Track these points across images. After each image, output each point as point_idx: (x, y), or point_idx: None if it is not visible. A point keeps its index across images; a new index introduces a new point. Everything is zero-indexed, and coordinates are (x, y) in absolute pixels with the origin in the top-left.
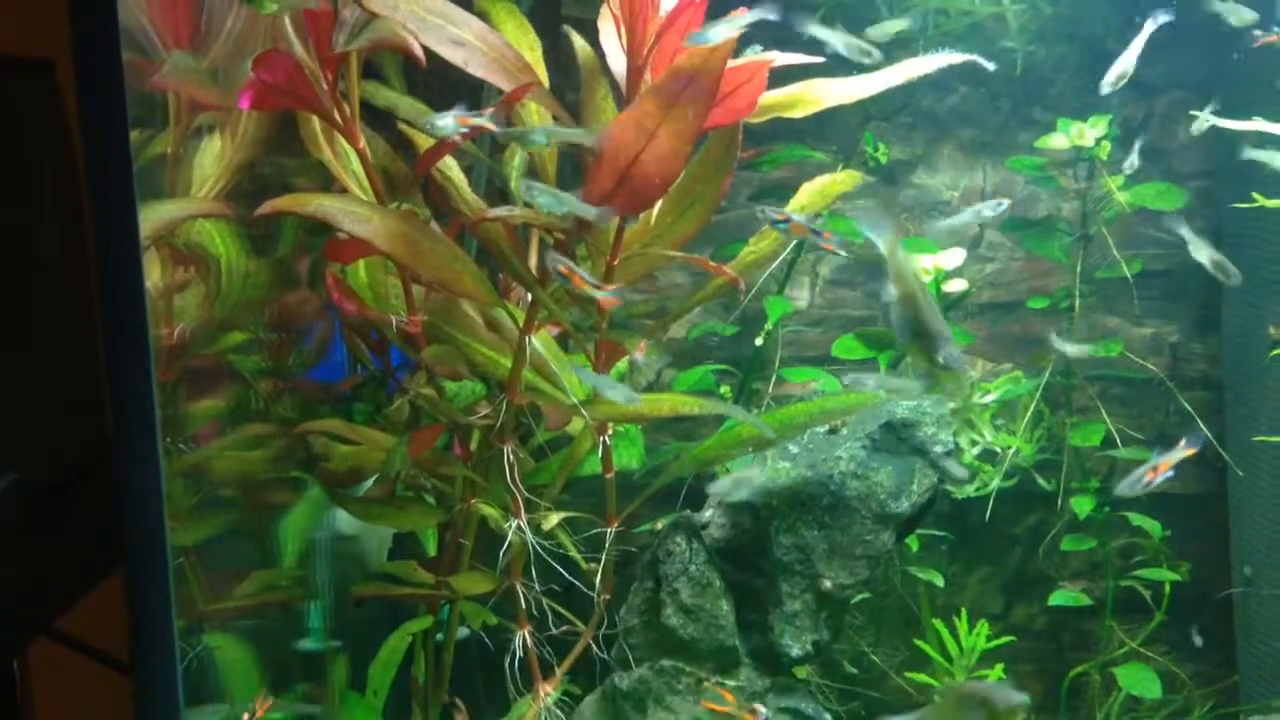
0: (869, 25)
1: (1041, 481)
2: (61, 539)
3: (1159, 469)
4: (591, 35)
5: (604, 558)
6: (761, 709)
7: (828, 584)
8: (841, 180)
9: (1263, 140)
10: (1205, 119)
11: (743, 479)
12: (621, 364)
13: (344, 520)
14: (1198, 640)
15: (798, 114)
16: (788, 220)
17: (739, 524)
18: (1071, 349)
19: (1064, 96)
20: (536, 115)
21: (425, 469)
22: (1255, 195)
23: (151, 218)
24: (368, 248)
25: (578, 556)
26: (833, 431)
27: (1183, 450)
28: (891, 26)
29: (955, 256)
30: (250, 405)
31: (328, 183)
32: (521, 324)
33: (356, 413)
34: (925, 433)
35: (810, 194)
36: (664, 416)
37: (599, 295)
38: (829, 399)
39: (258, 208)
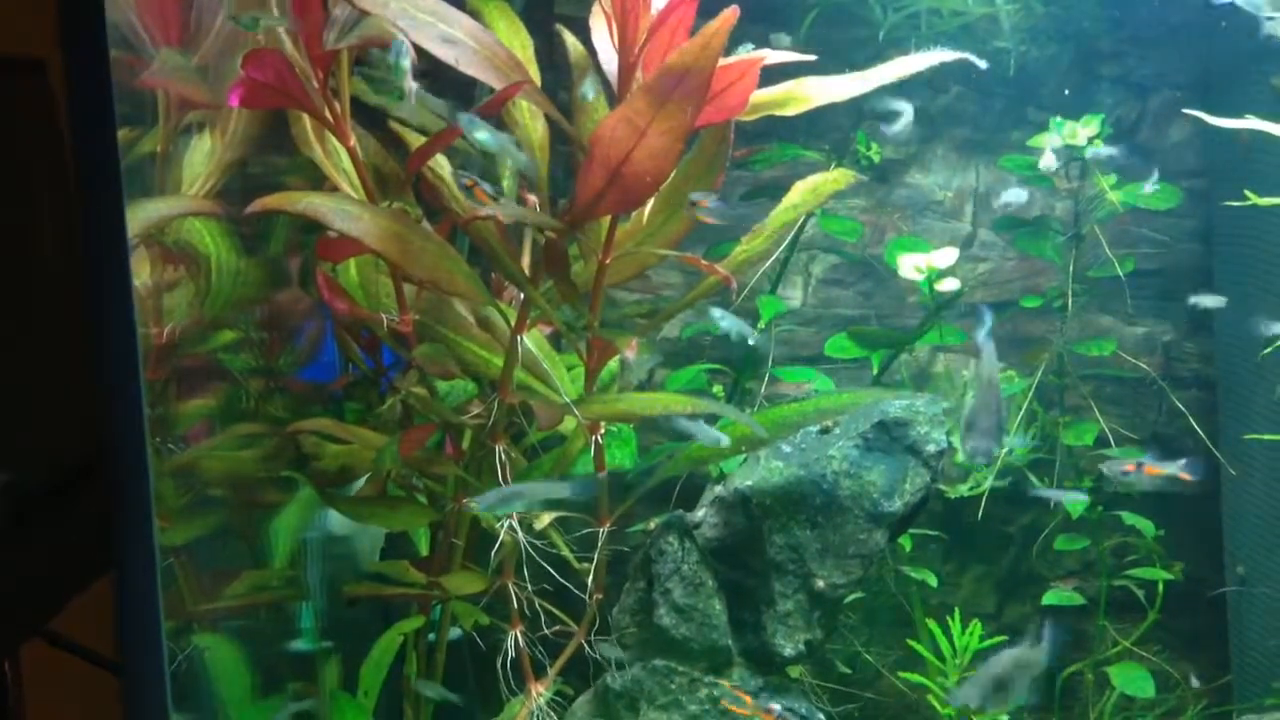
0: (863, 25)
1: (1035, 481)
2: (56, 540)
3: (1145, 469)
4: (583, 33)
5: (596, 557)
6: (776, 707)
7: (820, 583)
8: (834, 179)
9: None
10: (1148, 188)
11: (512, 493)
12: (613, 363)
13: (335, 520)
14: (1195, 682)
15: (790, 112)
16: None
17: (732, 523)
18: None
19: (1056, 96)
20: (528, 113)
21: (417, 468)
22: (1248, 193)
23: (141, 216)
24: (359, 246)
25: (570, 556)
26: (825, 431)
27: (1177, 469)
28: (783, 41)
29: (948, 256)
30: (241, 404)
31: (318, 181)
32: (513, 323)
33: (348, 412)
34: (918, 432)
35: (803, 192)
36: (656, 416)
37: (500, 214)
38: (822, 398)
39: (248, 206)
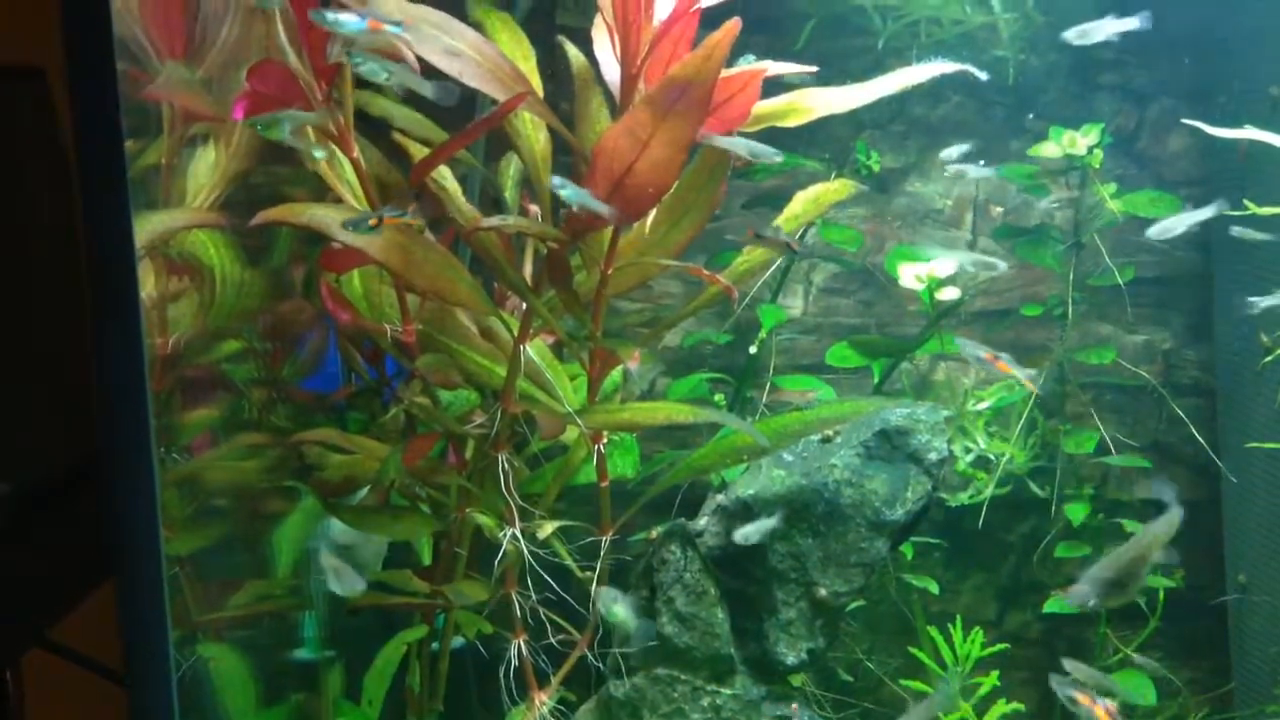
0: (862, 35)
1: (1035, 488)
2: (55, 547)
3: (999, 365)
4: (585, 45)
5: (599, 566)
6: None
7: (822, 592)
8: (834, 189)
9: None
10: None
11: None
12: (616, 373)
13: (338, 530)
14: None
15: (791, 123)
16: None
17: (734, 532)
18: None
19: (1056, 105)
20: (530, 125)
21: (420, 478)
22: (1247, 203)
23: (146, 228)
24: (362, 257)
25: (573, 565)
26: (826, 440)
27: (1024, 376)
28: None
29: (948, 264)
30: (244, 415)
31: (322, 193)
32: (516, 333)
33: (351, 422)
34: (919, 440)
35: (804, 203)
36: (658, 425)
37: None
38: (823, 407)
39: (252, 218)
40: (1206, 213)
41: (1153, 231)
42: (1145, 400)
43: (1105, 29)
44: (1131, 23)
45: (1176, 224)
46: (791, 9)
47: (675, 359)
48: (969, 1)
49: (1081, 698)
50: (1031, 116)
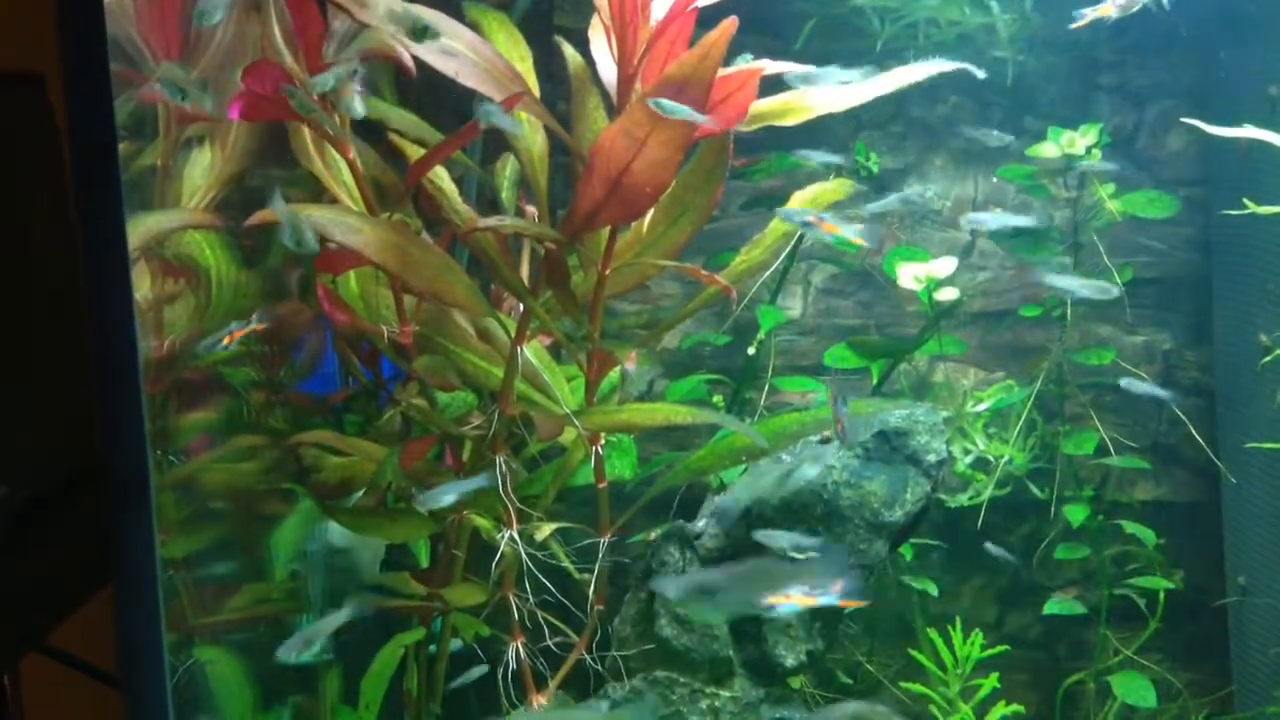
0: (861, 36)
1: (1035, 490)
2: (54, 552)
3: (824, 226)
4: (583, 45)
5: (597, 568)
6: None
7: None
8: (832, 189)
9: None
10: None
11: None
12: (614, 374)
13: (336, 532)
14: None
15: (789, 122)
16: None
17: (732, 534)
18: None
19: (1054, 105)
20: (527, 125)
21: (417, 480)
22: (1247, 203)
23: (141, 229)
24: (359, 258)
25: (571, 567)
26: (825, 441)
27: (852, 233)
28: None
29: (947, 265)
30: (241, 417)
31: (318, 194)
32: (513, 334)
33: (348, 424)
34: (918, 442)
35: (802, 203)
36: (657, 426)
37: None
38: (822, 408)
39: (248, 219)
40: (1025, 220)
41: (964, 220)
42: (1144, 401)
43: (883, 83)
44: (905, 82)
45: (989, 220)
46: (789, 10)
47: (673, 360)
48: (967, 3)
49: (774, 600)
50: (995, 133)
